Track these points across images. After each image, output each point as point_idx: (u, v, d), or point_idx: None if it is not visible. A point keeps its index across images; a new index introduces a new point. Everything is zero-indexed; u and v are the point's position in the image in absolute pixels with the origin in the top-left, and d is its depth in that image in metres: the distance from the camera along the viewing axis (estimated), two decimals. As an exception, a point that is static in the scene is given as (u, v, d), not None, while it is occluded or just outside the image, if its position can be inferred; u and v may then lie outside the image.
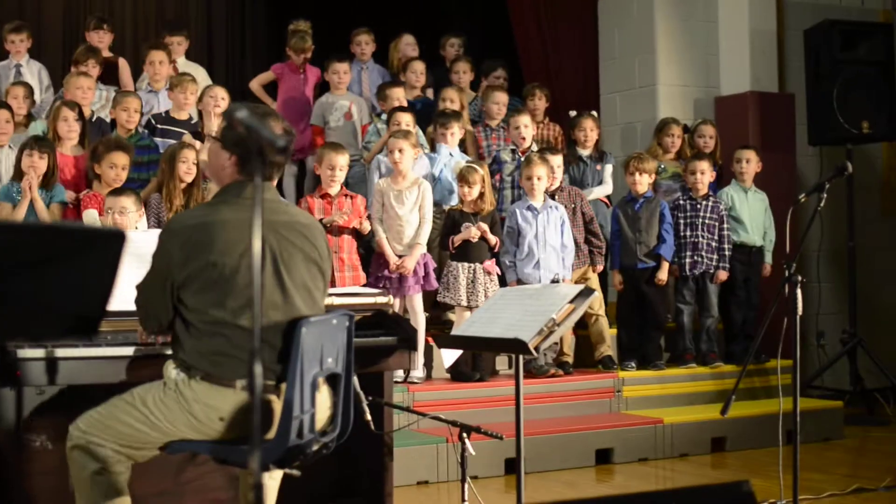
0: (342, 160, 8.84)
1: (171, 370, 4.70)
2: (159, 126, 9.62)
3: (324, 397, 4.73)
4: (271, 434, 4.56)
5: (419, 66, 11.13)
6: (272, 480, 5.02)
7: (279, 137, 3.36)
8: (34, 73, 10.37)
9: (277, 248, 4.68)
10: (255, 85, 11.22)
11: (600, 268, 9.80)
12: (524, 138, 9.98)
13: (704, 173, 10.10)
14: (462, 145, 10.27)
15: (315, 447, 4.69)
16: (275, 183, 5.00)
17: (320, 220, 8.67)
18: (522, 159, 9.74)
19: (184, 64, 10.86)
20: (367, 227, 8.88)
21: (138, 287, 4.71)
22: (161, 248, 4.65)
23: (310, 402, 4.56)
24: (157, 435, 4.65)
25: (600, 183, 10.35)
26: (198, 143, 8.89)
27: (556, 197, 9.58)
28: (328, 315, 4.75)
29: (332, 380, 4.80)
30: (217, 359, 4.57)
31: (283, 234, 4.72)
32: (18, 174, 8.43)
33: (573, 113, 10.76)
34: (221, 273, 4.56)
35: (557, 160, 9.68)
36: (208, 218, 4.69)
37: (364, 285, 8.64)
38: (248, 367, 3.15)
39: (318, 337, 4.61)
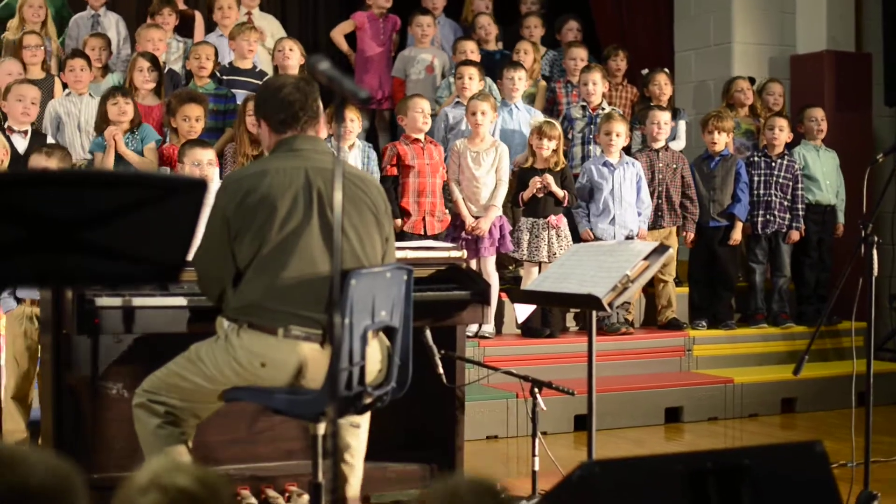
0: (427, 105, 9.07)
1: (224, 322, 4.77)
2: (225, 77, 9.66)
3: (374, 350, 4.74)
4: (317, 385, 4.60)
5: (485, 20, 11.07)
6: (354, 427, 5.02)
7: (361, 89, 3.36)
8: (112, 24, 10.42)
9: (326, 193, 4.70)
10: (338, 36, 11.14)
11: (691, 235, 9.76)
12: (591, 94, 9.93)
13: (783, 130, 10.00)
14: (532, 101, 10.30)
15: (367, 400, 4.71)
16: (322, 135, 5.01)
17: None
18: (594, 116, 9.77)
19: (259, 16, 10.87)
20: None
21: (196, 253, 4.66)
22: (216, 202, 4.71)
23: (359, 354, 4.56)
24: (210, 386, 4.74)
25: (673, 139, 10.28)
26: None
27: (661, 155, 9.60)
28: (382, 267, 4.76)
29: (389, 333, 4.82)
30: (261, 305, 4.62)
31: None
32: (100, 126, 8.47)
33: (646, 71, 10.72)
34: (267, 216, 4.62)
35: (665, 117, 9.70)
36: (260, 168, 4.79)
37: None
38: (328, 317, 3.16)
39: (370, 289, 4.59)
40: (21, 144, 8.16)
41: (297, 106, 4.82)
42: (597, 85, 9.93)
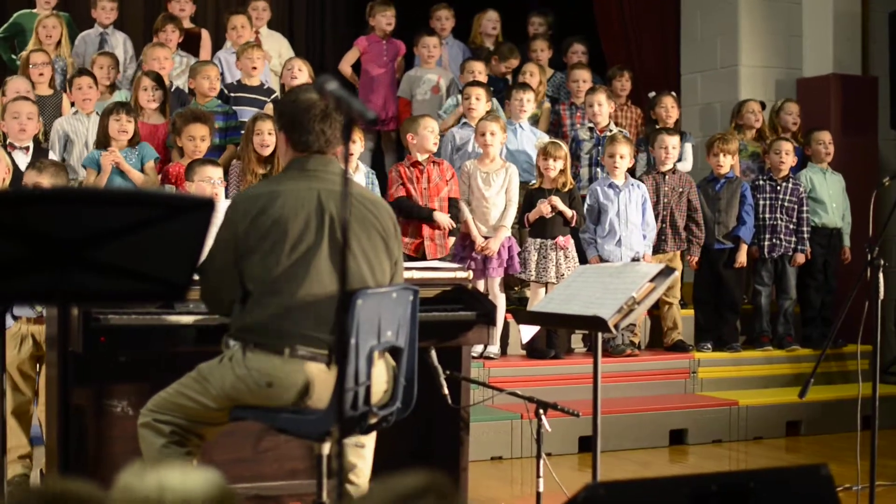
0: (437, 125, 9.08)
1: (230, 342, 4.76)
2: (232, 95, 9.70)
3: (380, 371, 4.73)
4: (323, 405, 4.60)
5: (515, 62, 11.05)
6: (358, 448, 5.00)
7: (369, 109, 3.37)
8: (119, 43, 10.45)
9: (337, 217, 4.67)
10: (345, 66, 11.13)
11: (695, 258, 9.76)
12: (598, 115, 9.96)
13: (789, 154, 10.00)
14: (537, 122, 10.32)
15: (372, 420, 4.70)
16: (338, 153, 4.99)
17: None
18: (601, 137, 9.79)
19: (267, 34, 10.91)
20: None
21: (201, 268, 4.60)
22: (226, 220, 4.69)
23: (365, 374, 4.54)
24: (215, 406, 4.73)
25: (679, 161, 10.27)
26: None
27: (668, 178, 9.61)
28: (388, 288, 4.75)
29: (394, 354, 4.82)
30: (268, 325, 4.61)
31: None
32: (101, 141, 8.49)
33: (652, 93, 10.73)
34: (279, 238, 4.61)
35: (674, 141, 9.71)
36: (271, 188, 4.76)
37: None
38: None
39: (376, 309, 4.58)
40: (23, 161, 8.16)
41: (318, 130, 4.78)
42: (602, 106, 9.95)
